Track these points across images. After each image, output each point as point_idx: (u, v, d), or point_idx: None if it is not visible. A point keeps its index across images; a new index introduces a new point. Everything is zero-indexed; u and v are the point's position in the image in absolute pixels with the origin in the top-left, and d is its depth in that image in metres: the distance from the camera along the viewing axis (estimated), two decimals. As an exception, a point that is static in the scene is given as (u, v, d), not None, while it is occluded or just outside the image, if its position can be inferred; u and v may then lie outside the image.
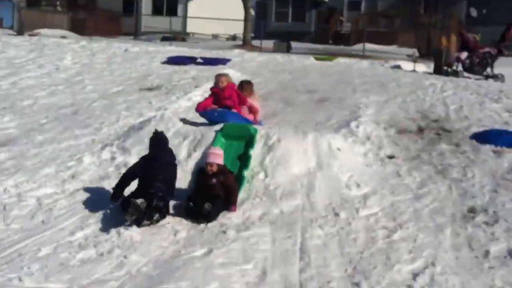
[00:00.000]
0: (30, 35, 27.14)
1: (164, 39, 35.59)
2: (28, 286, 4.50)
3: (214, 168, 6.34)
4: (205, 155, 6.89)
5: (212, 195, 6.18)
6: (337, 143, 7.91)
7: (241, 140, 7.66)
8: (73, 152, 8.14)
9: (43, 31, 30.52)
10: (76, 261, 5.00)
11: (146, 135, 8.04)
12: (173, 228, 5.80)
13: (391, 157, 8.08)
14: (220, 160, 6.48)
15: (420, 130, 9.41)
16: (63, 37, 26.59)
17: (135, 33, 44.65)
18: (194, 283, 4.64)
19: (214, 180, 6.30)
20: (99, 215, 6.05)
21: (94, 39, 25.08)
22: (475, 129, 9.40)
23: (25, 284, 4.52)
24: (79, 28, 37.71)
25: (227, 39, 45.31)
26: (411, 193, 6.83)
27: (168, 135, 7.94)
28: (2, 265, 4.84)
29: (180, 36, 35.63)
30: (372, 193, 6.76)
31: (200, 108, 8.73)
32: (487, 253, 5.35)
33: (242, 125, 8.01)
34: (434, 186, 7.01)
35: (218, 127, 7.91)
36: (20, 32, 28.10)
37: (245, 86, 9.50)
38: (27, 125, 9.60)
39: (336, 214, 6.21)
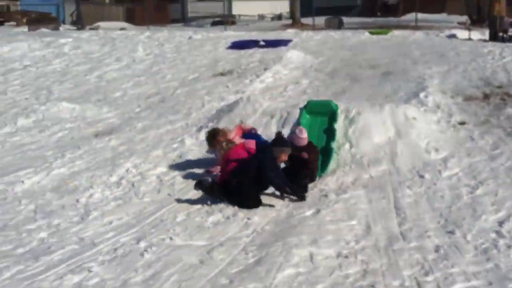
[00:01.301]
0: (90, 29, 28.48)
1: (214, 23, 36.41)
2: (178, 243, 5.50)
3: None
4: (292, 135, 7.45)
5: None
6: (412, 113, 8.65)
7: (324, 116, 8.50)
8: (173, 135, 9.18)
9: (102, 24, 31.84)
10: (209, 224, 5.98)
11: (236, 116, 9.05)
12: (281, 195, 6.70)
13: (462, 123, 8.79)
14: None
15: (486, 96, 10.04)
16: (123, 28, 27.83)
17: (183, 19, 45.73)
18: (312, 236, 5.54)
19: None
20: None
21: (152, 29, 26.17)
22: (537, 93, 9.97)
23: (176, 242, 5.53)
24: (130, 18, 39.01)
25: (272, 18, 45.79)
26: (486, 154, 7.56)
27: (256, 115, 8.93)
28: (150, 229, 5.87)
29: (229, 19, 36.42)
30: (450, 156, 7.52)
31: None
32: (562, 201, 6.06)
33: (324, 101, 8.85)
34: (506, 147, 7.71)
35: (302, 104, 8.76)
36: (81, 27, 29.43)
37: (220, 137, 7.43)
38: (125, 115, 10.72)
39: (421, 176, 7.02)
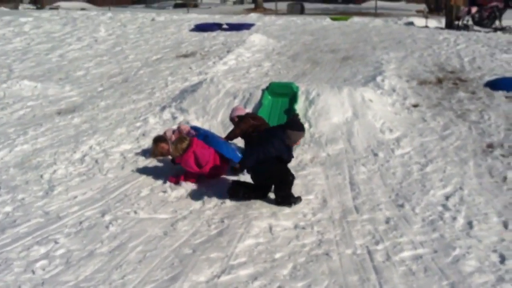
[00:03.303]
0: (51, 8, 27.99)
1: (176, 6, 36.26)
2: (143, 217, 5.70)
3: (236, 119, 7.40)
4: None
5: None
6: (369, 95, 9.00)
7: (285, 97, 8.77)
8: (136, 114, 9.30)
9: (62, 4, 31.31)
10: (172, 198, 6.19)
11: (200, 96, 9.22)
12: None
13: (415, 105, 9.19)
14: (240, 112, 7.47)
15: (439, 81, 10.48)
16: (83, 9, 27.47)
17: (145, 1, 45.28)
18: (271, 210, 5.82)
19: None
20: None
21: (114, 10, 25.93)
22: (488, 78, 10.49)
23: (140, 215, 5.72)
24: (91, -1, 38.42)
25: (234, 2, 45.82)
26: (437, 134, 7.96)
27: (219, 95, 9.13)
28: (115, 203, 6.03)
29: (191, 2, 36.29)
30: (403, 136, 7.90)
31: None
32: (505, 178, 6.50)
33: (285, 83, 9.12)
34: (456, 128, 8.14)
35: (264, 85, 9.01)
36: (40, 6, 28.86)
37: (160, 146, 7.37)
38: (87, 93, 10.75)
39: (375, 155, 7.37)
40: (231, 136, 7.34)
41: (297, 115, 6.57)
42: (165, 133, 7.50)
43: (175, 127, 7.79)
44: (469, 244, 4.99)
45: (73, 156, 7.54)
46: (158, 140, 7.34)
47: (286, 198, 5.97)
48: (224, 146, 6.84)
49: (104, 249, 4.97)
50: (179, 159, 6.54)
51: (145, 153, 7.65)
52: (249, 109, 8.64)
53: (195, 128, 7.50)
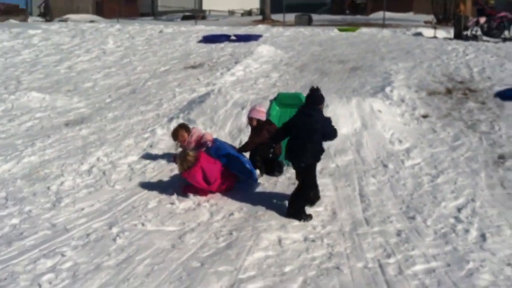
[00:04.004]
0: (60, 20, 28.16)
1: (184, 18, 36.35)
2: (150, 229, 5.64)
3: (254, 123, 7.32)
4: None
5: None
6: (377, 106, 8.93)
7: (294, 108, 8.66)
8: (144, 125, 9.27)
9: (71, 16, 31.52)
10: (180, 210, 6.13)
11: (207, 107, 9.19)
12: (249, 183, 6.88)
13: (425, 116, 9.11)
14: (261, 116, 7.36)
15: (448, 91, 10.39)
16: (92, 21, 27.61)
17: (153, 13, 45.50)
18: (280, 222, 5.75)
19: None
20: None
21: (122, 22, 26.04)
22: (497, 88, 10.39)
23: (148, 228, 5.66)
24: (100, 11, 38.65)
25: (242, 14, 45.95)
26: (447, 145, 7.88)
27: (227, 106, 9.08)
28: (122, 215, 5.98)
29: (200, 14, 36.41)
30: (413, 147, 7.81)
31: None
32: (517, 190, 6.40)
33: (294, 94, 9.06)
34: (466, 139, 8.04)
35: (272, 96, 8.96)
36: (50, 19, 29.07)
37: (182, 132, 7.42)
38: (95, 105, 10.75)
39: (385, 166, 7.29)
40: (246, 149, 7.25)
41: (317, 88, 6.23)
42: (193, 128, 7.44)
43: (203, 131, 7.63)
44: (483, 257, 4.90)
45: (81, 167, 7.51)
46: (183, 126, 7.41)
47: (298, 213, 5.89)
48: (234, 162, 6.73)
49: (111, 262, 4.91)
50: (186, 173, 6.47)
51: (153, 164, 7.61)
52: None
53: (214, 139, 7.34)
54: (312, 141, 5.94)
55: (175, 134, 7.40)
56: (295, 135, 6.04)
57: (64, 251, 5.11)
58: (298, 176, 6.17)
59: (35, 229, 5.62)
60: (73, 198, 6.48)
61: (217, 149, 6.82)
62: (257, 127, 7.32)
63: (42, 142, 8.66)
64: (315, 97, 6.08)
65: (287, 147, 6.14)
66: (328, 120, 6.14)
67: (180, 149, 7.18)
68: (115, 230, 5.58)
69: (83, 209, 6.16)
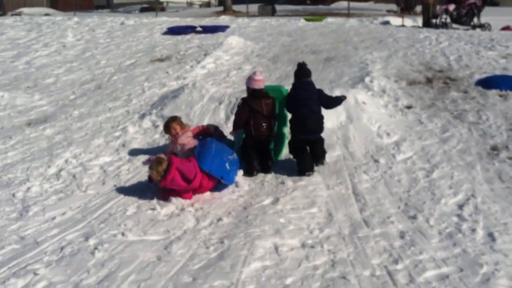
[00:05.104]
0: (13, 14, 26.93)
1: (142, 10, 35.47)
2: (132, 239, 5.09)
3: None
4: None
5: None
6: (362, 97, 8.56)
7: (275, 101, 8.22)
8: (114, 123, 8.66)
9: (25, 10, 30.22)
10: (162, 216, 5.59)
11: (182, 102, 8.64)
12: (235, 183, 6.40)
13: (409, 107, 8.79)
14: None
15: (429, 80, 10.12)
16: (47, 14, 26.49)
17: (109, 6, 44.27)
18: (274, 226, 5.28)
19: None
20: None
21: (79, 15, 25.05)
22: (478, 76, 10.16)
23: (129, 238, 5.11)
24: (54, 4, 37.32)
25: (200, 5, 45.23)
26: (437, 137, 7.56)
27: (204, 101, 8.56)
28: (99, 224, 5.41)
29: (158, 6, 35.53)
30: (402, 140, 7.47)
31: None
32: (517, 183, 6.11)
33: (274, 86, 8.58)
34: (455, 130, 7.75)
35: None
36: (2, 13, 27.77)
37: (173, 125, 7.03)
38: (59, 102, 10.04)
39: (376, 161, 6.91)
40: (235, 127, 7.04)
41: (303, 63, 7.05)
42: (189, 127, 7.08)
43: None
44: (496, 259, 4.55)
45: (48, 171, 6.88)
46: (176, 119, 7.04)
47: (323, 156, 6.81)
48: (209, 161, 6.20)
49: (91, 280, 4.36)
50: (163, 182, 5.92)
51: (128, 165, 7.04)
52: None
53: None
54: (320, 110, 6.74)
55: (167, 127, 6.97)
56: (300, 108, 6.67)
57: (36, 268, 4.53)
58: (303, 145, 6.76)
59: (1, 244, 5.00)
60: (42, 205, 5.87)
61: (202, 145, 6.37)
62: (246, 100, 6.97)
63: (3, 144, 7.96)
64: (305, 70, 6.83)
65: (295, 122, 6.72)
66: (321, 90, 6.94)
67: (171, 141, 6.94)
68: (92, 241, 5.01)
69: (54, 218, 5.56)
